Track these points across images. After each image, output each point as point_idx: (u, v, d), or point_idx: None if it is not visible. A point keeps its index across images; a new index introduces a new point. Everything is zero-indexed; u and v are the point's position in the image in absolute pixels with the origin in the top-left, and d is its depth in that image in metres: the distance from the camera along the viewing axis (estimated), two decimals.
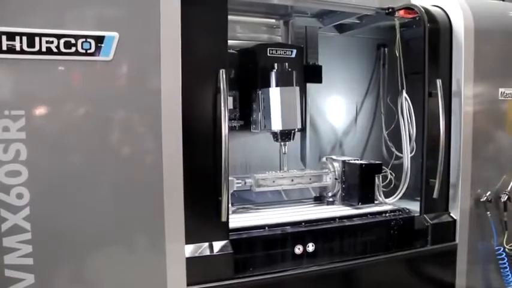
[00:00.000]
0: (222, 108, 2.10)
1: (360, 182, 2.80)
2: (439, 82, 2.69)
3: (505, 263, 2.92)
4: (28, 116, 1.81)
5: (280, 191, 3.03)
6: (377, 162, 2.92)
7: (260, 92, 2.79)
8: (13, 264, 1.82)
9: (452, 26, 2.79)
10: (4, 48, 1.76)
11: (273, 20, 3.17)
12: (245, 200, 2.92)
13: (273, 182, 2.77)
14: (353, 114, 3.58)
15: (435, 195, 2.73)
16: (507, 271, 2.93)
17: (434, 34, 2.75)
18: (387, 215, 2.79)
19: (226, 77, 2.13)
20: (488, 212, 2.88)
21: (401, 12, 2.79)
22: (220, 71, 2.13)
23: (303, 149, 3.33)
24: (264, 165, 3.01)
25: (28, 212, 1.82)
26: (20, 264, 1.82)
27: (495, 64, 2.90)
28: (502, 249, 2.91)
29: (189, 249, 2.12)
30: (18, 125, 1.80)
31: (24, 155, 1.81)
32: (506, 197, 2.91)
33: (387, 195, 2.98)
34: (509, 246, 2.93)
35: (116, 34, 1.90)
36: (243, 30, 3.05)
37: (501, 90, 2.91)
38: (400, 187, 2.94)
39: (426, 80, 2.73)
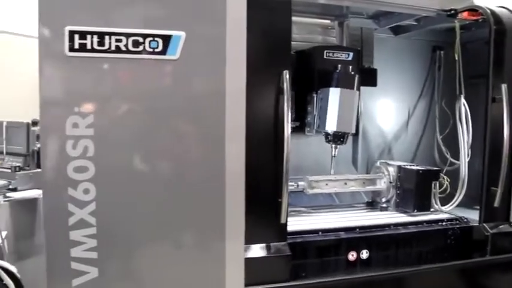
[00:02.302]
0: (285, 109, 2.08)
1: (416, 189, 2.72)
2: (504, 87, 2.59)
3: None
4: (96, 113, 1.84)
5: (332, 194, 2.98)
6: (434, 168, 2.84)
7: (319, 91, 2.74)
8: (79, 257, 1.84)
9: None
10: (76, 46, 1.80)
11: (328, 21, 3.12)
12: (294, 203, 2.87)
13: (326, 184, 2.73)
14: (405, 118, 3.50)
15: (496, 203, 2.63)
16: None
17: (500, 36, 2.64)
18: (444, 223, 2.70)
19: (289, 78, 2.11)
20: None
21: (465, 14, 2.69)
22: (284, 71, 2.12)
23: (354, 153, 3.28)
24: (316, 169, 2.97)
25: (94, 207, 1.85)
26: (85, 257, 1.85)
27: None
28: None
29: (247, 250, 2.11)
30: (87, 122, 1.82)
31: (92, 151, 1.84)
32: None
33: (442, 202, 2.88)
34: None
35: (182, 33, 1.91)
36: (299, 31, 3.01)
37: None
38: (457, 195, 2.85)
39: (490, 84, 2.63)
